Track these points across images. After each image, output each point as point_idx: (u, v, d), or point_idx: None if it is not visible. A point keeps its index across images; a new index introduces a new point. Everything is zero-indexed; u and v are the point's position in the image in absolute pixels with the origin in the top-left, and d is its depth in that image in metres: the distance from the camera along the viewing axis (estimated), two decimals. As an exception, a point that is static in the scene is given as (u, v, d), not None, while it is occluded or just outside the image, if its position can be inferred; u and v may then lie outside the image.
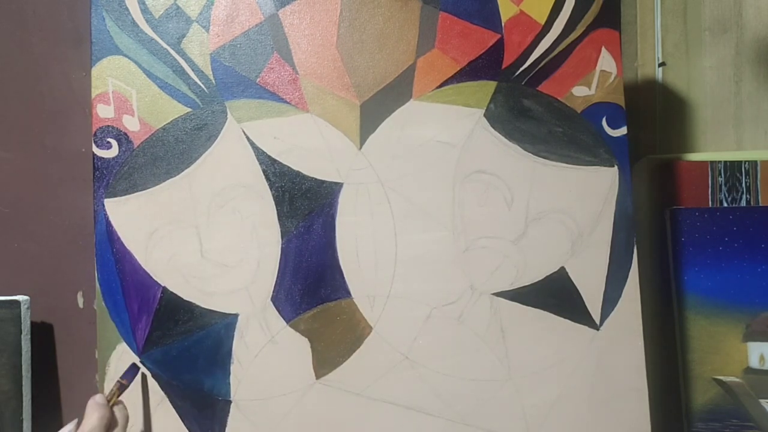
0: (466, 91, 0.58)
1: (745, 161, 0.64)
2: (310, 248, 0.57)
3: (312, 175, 0.57)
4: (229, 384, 0.56)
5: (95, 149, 0.56)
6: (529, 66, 0.58)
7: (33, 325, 0.61)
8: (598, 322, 0.57)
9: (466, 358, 0.56)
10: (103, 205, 0.56)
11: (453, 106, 0.58)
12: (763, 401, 0.61)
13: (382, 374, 0.56)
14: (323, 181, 0.57)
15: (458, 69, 0.58)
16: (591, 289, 0.57)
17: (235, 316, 0.56)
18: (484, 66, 0.58)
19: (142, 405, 0.54)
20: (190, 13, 0.57)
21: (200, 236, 0.56)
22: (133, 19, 0.57)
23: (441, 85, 0.57)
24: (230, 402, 0.56)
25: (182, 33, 0.57)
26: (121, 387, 0.52)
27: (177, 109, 0.57)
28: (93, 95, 0.57)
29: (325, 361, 0.56)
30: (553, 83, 0.58)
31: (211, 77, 0.57)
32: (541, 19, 0.58)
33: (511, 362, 0.56)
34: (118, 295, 0.56)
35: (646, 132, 0.68)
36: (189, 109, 0.57)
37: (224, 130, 0.57)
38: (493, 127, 0.58)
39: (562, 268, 0.57)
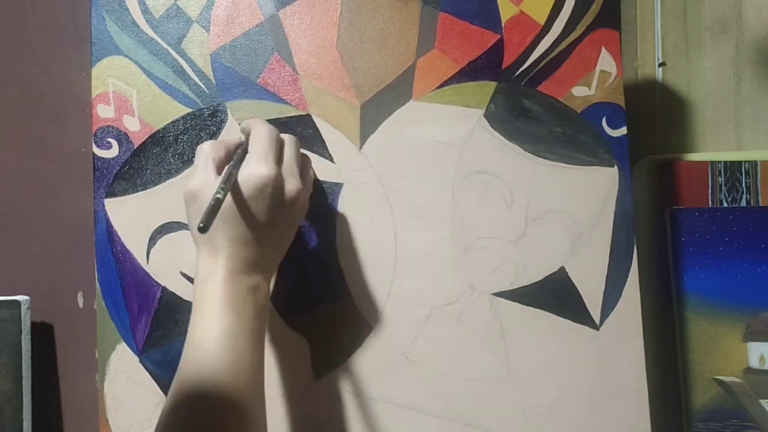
0: (466, 91, 0.58)
1: (745, 161, 0.64)
2: (311, 248, 0.57)
3: (312, 176, 0.57)
4: (229, 384, 0.55)
5: (95, 149, 0.56)
6: (529, 66, 0.58)
7: (33, 325, 0.61)
8: (598, 322, 0.57)
9: (466, 358, 0.56)
10: (103, 205, 0.56)
11: (453, 106, 0.57)
12: (763, 401, 0.61)
13: (382, 374, 0.56)
14: (323, 182, 0.57)
15: (458, 69, 0.58)
16: (591, 289, 0.57)
17: (235, 316, 0.56)
18: (484, 66, 0.58)
19: None
20: (190, 13, 0.57)
21: (200, 236, 0.56)
22: (133, 19, 0.57)
23: (441, 86, 0.57)
24: (230, 402, 0.55)
25: (182, 33, 0.57)
26: None
27: (177, 110, 0.57)
28: (93, 95, 0.57)
29: (325, 361, 0.56)
30: (553, 83, 0.58)
31: (212, 77, 0.57)
32: (541, 20, 0.58)
33: (510, 362, 0.56)
34: (118, 295, 0.56)
35: (646, 132, 0.68)
36: (189, 110, 0.57)
37: (225, 131, 0.57)
38: (493, 128, 0.58)
39: (562, 268, 0.57)
